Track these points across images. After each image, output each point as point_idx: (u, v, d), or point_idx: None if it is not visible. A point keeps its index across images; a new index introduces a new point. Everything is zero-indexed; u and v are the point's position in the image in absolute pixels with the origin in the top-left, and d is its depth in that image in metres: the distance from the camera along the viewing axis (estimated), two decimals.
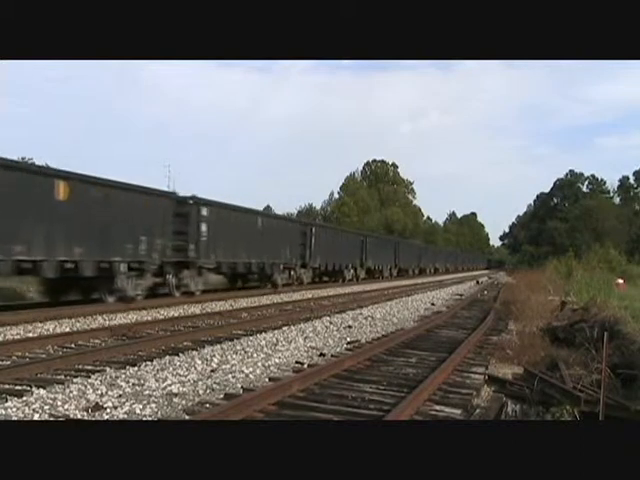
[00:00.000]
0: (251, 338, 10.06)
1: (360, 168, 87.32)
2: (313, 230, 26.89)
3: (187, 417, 5.23)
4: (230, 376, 7.10)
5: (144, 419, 5.25)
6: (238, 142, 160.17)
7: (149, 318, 12.65)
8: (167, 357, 8.05)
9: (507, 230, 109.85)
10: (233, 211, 19.83)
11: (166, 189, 18.06)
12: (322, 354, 8.88)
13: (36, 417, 5.16)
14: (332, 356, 8.70)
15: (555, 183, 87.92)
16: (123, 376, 6.81)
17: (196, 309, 14.93)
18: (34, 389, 6.03)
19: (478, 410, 6.09)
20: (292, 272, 24.29)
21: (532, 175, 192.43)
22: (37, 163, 18.09)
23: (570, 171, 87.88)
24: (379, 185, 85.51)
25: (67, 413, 5.31)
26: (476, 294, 25.85)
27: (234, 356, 8.34)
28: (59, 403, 5.59)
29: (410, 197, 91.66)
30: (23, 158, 25.64)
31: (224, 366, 7.63)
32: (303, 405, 5.76)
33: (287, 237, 23.78)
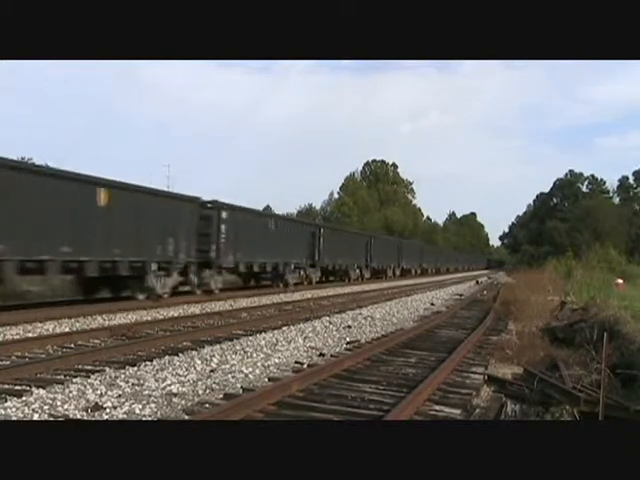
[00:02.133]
0: (251, 338, 10.06)
1: (360, 168, 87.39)
2: (372, 240, 37.06)
3: (187, 417, 5.23)
4: (230, 376, 7.10)
5: (144, 419, 5.25)
6: (238, 142, 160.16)
7: (149, 318, 12.64)
8: (167, 357, 8.04)
9: (507, 230, 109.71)
10: (339, 230, 34.67)
11: (165, 188, 22.26)
12: (322, 354, 8.88)
13: (36, 417, 5.16)
14: (332, 356, 8.70)
15: (555, 183, 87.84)
16: (122, 376, 6.81)
17: (196, 309, 14.93)
18: (34, 389, 6.03)
19: (478, 410, 6.09)
20: (359, 270, 34.28)
21: (532, 175, 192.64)
22: (37, 163, 18.85)
23: (570, 171, 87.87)
24: (379, 185, 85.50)
25: (67, 413, 5.31)
26: (476, 294, 25.85)
27: (234, 356, 8.34)
28: (59, 403, 5.59)
29: (410, 197, 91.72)
30: (23, 158, 25.65)
31: (223, 366, 7.63)
32: (303, 405, 5.77)
33: (359, 246, 34.74)
